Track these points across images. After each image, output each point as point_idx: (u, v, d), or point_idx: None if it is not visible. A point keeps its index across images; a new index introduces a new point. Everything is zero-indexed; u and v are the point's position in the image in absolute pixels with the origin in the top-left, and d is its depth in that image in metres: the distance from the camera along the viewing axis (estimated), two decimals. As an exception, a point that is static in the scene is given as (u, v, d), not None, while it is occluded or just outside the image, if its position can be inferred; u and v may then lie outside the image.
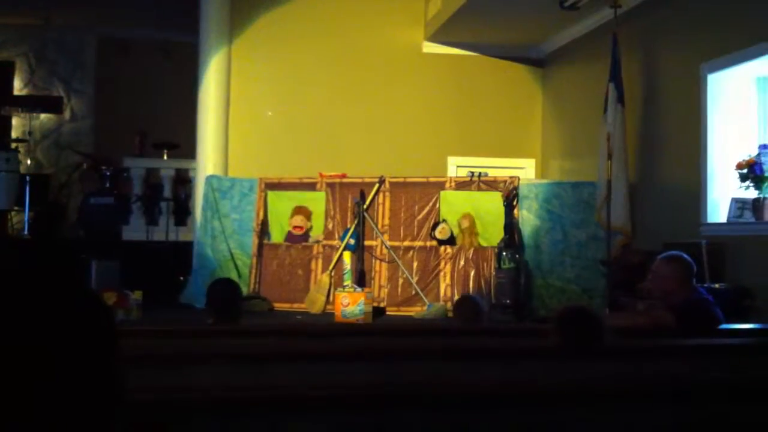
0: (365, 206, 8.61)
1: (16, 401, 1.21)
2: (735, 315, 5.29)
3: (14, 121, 12.61)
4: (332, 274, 8.52)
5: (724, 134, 7.11)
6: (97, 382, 1.30)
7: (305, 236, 8.87)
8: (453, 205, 8.62)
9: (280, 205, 8.98)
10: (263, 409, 2.29)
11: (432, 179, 8.88)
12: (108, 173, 10.28)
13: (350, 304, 7.52)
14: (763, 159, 6.53)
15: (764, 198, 6.56)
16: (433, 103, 10.53)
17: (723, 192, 7.02)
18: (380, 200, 8.75)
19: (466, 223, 8.47)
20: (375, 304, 8.00)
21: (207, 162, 9.66)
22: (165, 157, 11.11)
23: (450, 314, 8.01)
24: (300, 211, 8.88)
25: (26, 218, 10.32)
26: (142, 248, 9.69)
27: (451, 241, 8.48)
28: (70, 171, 11.74)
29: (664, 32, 8.03)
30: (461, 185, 8.72)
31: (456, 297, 8.23)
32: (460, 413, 2.38)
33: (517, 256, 7.89)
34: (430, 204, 8.64)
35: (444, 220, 8.50)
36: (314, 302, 8.38)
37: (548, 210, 8.61)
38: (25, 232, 10.18)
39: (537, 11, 9.03)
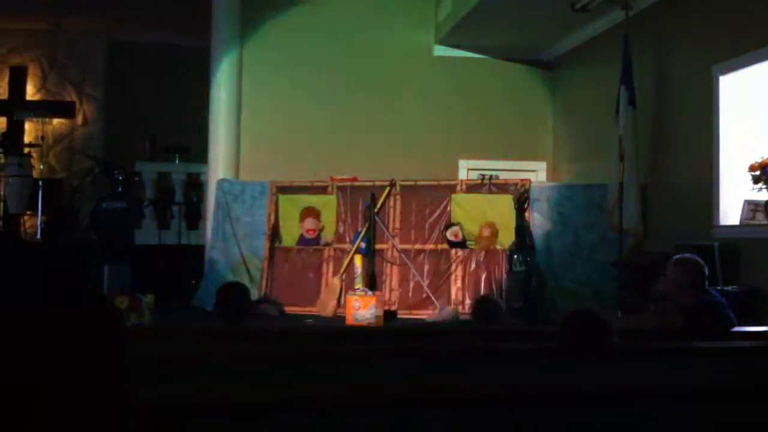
0: (376, 210, 8.62)
1: (25, 403, 1.21)
2: (748, 317, 5.26)
3: (27, 126, 12.67)
4: (343, 277, 8.53)
5: (736, 136, 7.08)
6: (105, 385, 1.30)
7: (317, 238, 8.88)
8: (464, 209, 8.61)
9: (292, 209, 8.99)
10: (270, 411, 2.29)
11: (443, 182, 8.88)
12: (120, 177, 10.32)
13: (361, 307, 7.52)
14: (775, 161, 6.50)
15: (777, 200, 6.52)
16: (444, 106, 10.52)
17: (735, 194, 6.99)
18: (391, 203, 8.75)
19: (487, 232, 8.43)
20: (386, 308, 8.00)
21: (218, 166, 9.69)
22: (176, 161, 11.14)
23: (461, 317, 8.02)
24: (310, 213, 8.88)
25: (39, 222, 10.38)
26: (154, 252, 9.72)
27: (462, 244, 8.47)
28: (82, 175, 11.78)
29: (675, 34, 8.00)
30: (472, 188, 8.71)
31: (467, 300, 8.23)
32: (469, 415, 2.38)
33: (528, 258, 7.88)
34: (441, 207, 8.64)
35: (458, 224, 8.48)
36: (325, 305, 8.39)
37: (559, 212, 8.60)
38: (38, 236, 10.23)
39: (548, 14, 9.01)
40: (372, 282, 8.35)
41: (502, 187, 8.60)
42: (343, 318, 7.78)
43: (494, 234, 8.43)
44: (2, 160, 10.34)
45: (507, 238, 8.27)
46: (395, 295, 8.47)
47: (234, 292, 5.06)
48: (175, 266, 9.35)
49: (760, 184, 6.58)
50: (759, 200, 6.68)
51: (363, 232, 8.58)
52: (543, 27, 9.65)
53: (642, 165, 8.05)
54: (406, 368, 3.12)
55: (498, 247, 8.39)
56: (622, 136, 7.84)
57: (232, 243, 9.12)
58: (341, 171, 9.27)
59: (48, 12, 11.84)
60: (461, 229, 8.47)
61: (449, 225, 8.50)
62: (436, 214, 8.65)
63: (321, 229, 8.90)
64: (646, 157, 8.19)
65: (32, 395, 1.22)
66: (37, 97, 12.87)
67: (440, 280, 8.43)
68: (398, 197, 8.77)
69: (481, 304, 5.44)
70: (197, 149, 10.49)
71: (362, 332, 5.45)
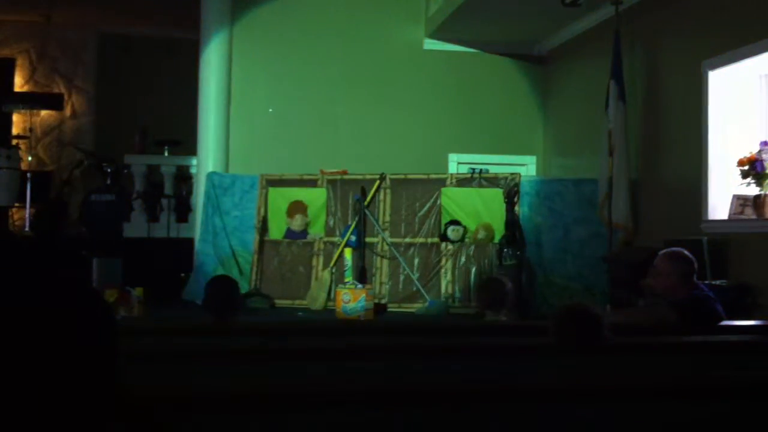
0: (366, 203, 8.62)
1: (18, 397, 1.21)
2: (737, 312, 5.28)
3: (15, 118, 12.61)
4: (333, 270, 8.52)
5: (725, 131, 7.11)
6: (97, 379, 1.30)
7: (304, 233, 8.87)
8: (454, 202, 8.61)
9: (281, 202, 8.98)
10: (263, 407, 2.29)
11: (433, 176, 8.88)
12: (109, 170, 10.28)
13: (351, 300, 7.51)
14: (764, 156, 6.53)
15: (765, 195, 6.55)
16: (435, 100, 10.52)
17: (724, 189, 7.02)
18: (381, 197, 8.75)
19: (482, 235, 8.40)
20: (376, 301, 8.00)
21: (208, 159, 9.66)
22: (166, 154, 11.10)
23: (451, 311, 8.03)
24: (298, 209, 8.86)
25: (27, 215, 10.33)
26: (143, 245, 9.69)
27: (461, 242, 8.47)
28: (71, 168, 11.73)
29: (665, 29, 8.02)
30: (462, 182, 8.72)
31: (457, 294, 8.24)
32: (460, 410, 2.38)
33: (518, 253, 7.88)
34: (431, 201, 8.64)
35: (463, 226, 8.44)
36: (315, 299, 8.38)
37: (550, 207, 8.62)
38: (26, 229, 10.19)
39: (539, 8, 9.02)
40: (362, 275, 8.35)
41: (492, 181, 8.60)
42: (333, 311, 7.77)
43: (491, 237, 8.37)
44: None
45: (497, 232, 8.27)
46: (385, 288, 8.47)
47: (223, 286, 5.04)
48: (164, 259, 9.33)
49: (748, 179, 6.61)
50: (747, 195, 6.71)
51: (353, 225, 8.58)
52: (533, 21, 9.66)
53: (632, 160, 8.07)
54: (398, 364, 3.12)
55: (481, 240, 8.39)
56: (612, 131, 7.86)
57: (222, 236, 9.11)
58: (331, 164, 9.26)
59: (38, 4, 11.77)
60: (462, 227, 8.42)
61: (453, 222, 8.45)
62: (426, 207, 8.66)
63: (308, 224, 8.89)
64: (636, 152, 8.21)
65: (25, 389, 1.21)
66: (25, 89, 12.81)
67: (430, 273, 8.44)
68: (388, 191, 8.77)
69: (487, 287, 5.30)
70: (187, 142, 10.46)
71: (353, 326, 5.45)
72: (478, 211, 8.55)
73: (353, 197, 8.71)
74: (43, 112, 12.69)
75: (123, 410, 1.39)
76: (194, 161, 10.07)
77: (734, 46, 6.86)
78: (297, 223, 8.82)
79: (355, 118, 10.28)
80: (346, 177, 8.94)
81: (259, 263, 8.79)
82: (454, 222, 8.45)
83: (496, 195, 8.39)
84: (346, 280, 8.18)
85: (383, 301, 8.32)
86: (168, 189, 10.56)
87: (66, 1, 11.65)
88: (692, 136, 7.33)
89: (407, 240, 8.59)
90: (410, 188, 8.75)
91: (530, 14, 9.32)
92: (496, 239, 8.24)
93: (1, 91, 12.44)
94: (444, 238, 8.46)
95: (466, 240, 8.45)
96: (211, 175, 9.39)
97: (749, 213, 6.71)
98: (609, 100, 7.94)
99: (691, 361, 3.47)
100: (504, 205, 8.14)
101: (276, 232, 8.98)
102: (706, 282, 5.69)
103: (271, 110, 10.14)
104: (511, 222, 8.02)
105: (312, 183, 8.99)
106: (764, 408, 2.60)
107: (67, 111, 12.92)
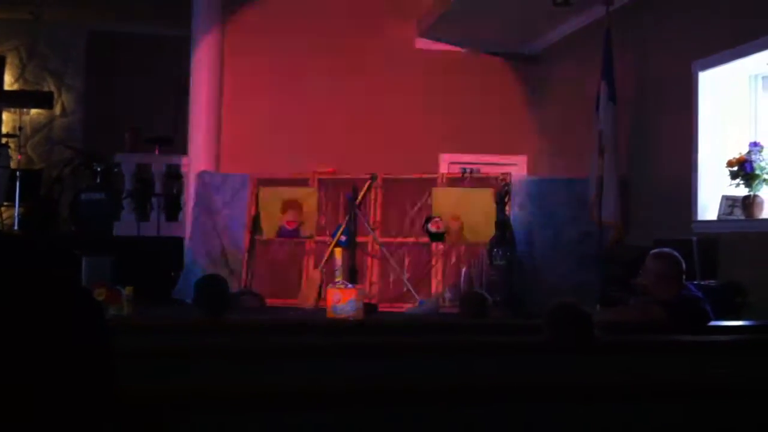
0: (357, 202, 8.61)
1: (13, 398, 1.20)
2: (726, 312, 5.30)
3: (4, 116, 12.55)
4: (324, 270, 8.52)
5: (715, 132, 7.14)
6: (89, 377, 1.29)
7: (297, 231, 8.86)
8: (445, 202, 8.62)
9: (272, 201, 8.97)
10: (255, 406, 2.29)
11: (424, 176, 8.89)
12: (99, 169, 10.24)
13: (341, 300, 7.50)
14: (753, 157, 6.56)
15: (754, 195, 6.59)
16: (426, 100, 10.52)
17: (714, 189, 7.05)
18: (372, 196, 8.75)
19: (455, 226, 8.44)
20: (366, 301, 7.99)
21: (199, 157, 9.65)
22: (156, 153, 11.07)
23: (441, 311, 8.04)
24: (290, 206, 8.86)
25: (16, 214, 10.28)
26: (133, 244, 9.66)
27: (441, 236, 8.48)
28: (61, 166, 11.69)
29: (656, 30, 8.05)
30: (453, 182, 8.72)
31: (447, 293, 8.24)
32: (452, 410, 2.39)
33: (509, 252, 7.89)
34: (422, 200, 8.65)
35: (438, 216, 8.48)
36: (306, 298, 8.38)
37: (540, 206, 8.62)
38: (16, 228, 10.14)
39: (530, 7, 9.03)
40: (352, 275, 8.34)
41: (483, 181, 8.62)
42: (324, 310, 7.76)
43: (460, 227, 8.43)
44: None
45: (488, 231, 8.28)
46: (375, 288, 8.47)
47: (213, 284, 5.05)
48: (154, 258, 9.29)
49: (737, 180, 6.64)
50: (737, 195, 6.75)
51: (344, 225, 8.57)
52: (525, 21, 9.67)
53: (622, 160, 8.09)
54: (391, 363, 3.12)
55: (471, 240, 8.40)
56: (603, 130, 7.88)
57: (212, 235, 9.09)
58: (322, 163, 9.25)
59: (28, 1, 11.72)
60: (442, 220, 8.47)
61: (429, 218, 8.50)
62: (417, 207, 8.66)
63: (301, 223, 8.89)
64: (627, 152, 8.24)
65: (17, 390, 1.21)
66: (15, 87, 12.75)
67: (421, 273, 8.44)
68: (379, 190, 8.76)
69: (469, 300, 5.43)
70: (178, 140, 10.43)
71: (345, 326, 5.45)
72: (469, 210, 8.55)
73: (344, 196, 8.70)
74: (33, 111, 12.63)
75: (119, 410, 1.39)
76: (185, 160, 10.04)
77: (724, 47, 6.89)
78: (289, 218, 8.82)
79: (347, 117, 10.28)
80: (337, 176, 8.94)
81: (250, 262, 8.78)
82: (431, 217, 8.46)
83: (487, 195, 8.40)
84: (337, 279, 8.17)
85: (373, 301, 8.32)
86: (158, 187, 10.52)
87: (56, -1, 11.62)
88: (682, 136, 7.35)
89: (398, 240, 8.60)
90: (401, 188, 8.75)
91: (521, 14, 9.34)
92: (477, 231, 8.25)
93: (-10, 90, 12.39)
94: (428, 234, 8.45)
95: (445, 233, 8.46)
96: (201, 174, 9.37)
97: (738, 214, 6.75)
98: (599, 100, 7.96)
99: (680, 361, 3.48)
100: (495, 205, 8.15)
101: (267, 230, 8.97)
102: (695, 282, 5.70)
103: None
104: (502, 222, 8.03)
105: (303, 182, 8.98)
106: (753, 407, 2.62)
107: (57, 109, 12.86)
